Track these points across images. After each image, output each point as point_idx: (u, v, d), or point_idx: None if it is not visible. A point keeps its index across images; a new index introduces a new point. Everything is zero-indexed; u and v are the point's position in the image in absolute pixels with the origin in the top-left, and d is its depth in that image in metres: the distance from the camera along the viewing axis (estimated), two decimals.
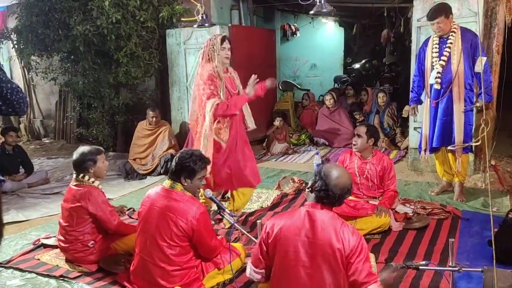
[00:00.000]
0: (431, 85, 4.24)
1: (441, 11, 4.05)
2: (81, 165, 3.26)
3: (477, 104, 4.07)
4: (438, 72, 4.15)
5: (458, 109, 4.12)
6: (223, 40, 3.63)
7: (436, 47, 4.18)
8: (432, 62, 4.20)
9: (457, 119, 4.14)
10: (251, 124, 3.96)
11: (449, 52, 4.09)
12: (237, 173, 3.77)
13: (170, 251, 2.64)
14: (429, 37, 4.32)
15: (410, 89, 4.60)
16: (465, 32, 4.11)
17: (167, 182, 2.78)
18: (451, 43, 4.09)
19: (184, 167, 2.73)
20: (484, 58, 4.01)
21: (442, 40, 4.16)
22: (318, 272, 2.09)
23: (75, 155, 3.29)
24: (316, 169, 2.30)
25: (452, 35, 4.09)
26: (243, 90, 3.80)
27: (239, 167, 3.77)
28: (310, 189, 2.26)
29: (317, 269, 2.09)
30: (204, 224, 2.67)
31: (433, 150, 4.42)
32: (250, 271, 2.38)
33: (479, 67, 3.98)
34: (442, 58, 4.12)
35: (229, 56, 3.68)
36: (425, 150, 4.44)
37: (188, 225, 2.61)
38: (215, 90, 3.55)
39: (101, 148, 3.47)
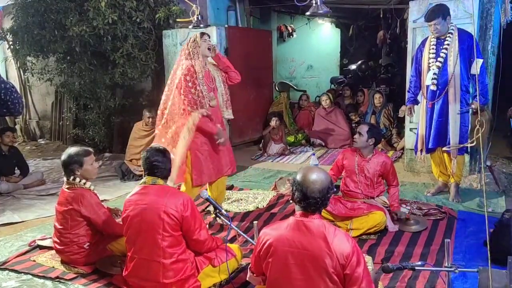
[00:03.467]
0: (427, 86, 4.25)
1: (438, 13, 4.06)
2: (67, 167, 3.22)
3: (473, 106, 4.08)
4: (434, 73, 4.16)
5: (454, 110, 4.14)
6: (202, 33, 3.77)
7: (433, 48, 4.19)
8: (429, 63, 4.20)
9: (452, 120, 4.15)
10: (227, 115, 4.06)
11: (446, 54, 4.10)
12: (220, 162, 3.91)
13: (164, 243, 2.66)
14: (427, 38, 4.33)
15: (407, 89, 4.61)
16: (462, 33, 4.11)
17: (147, 180, 2.83)
18: (448, 44, 4.10)
19: (155, 166, 2.84)
20: (480, 60, 4.02)
21: (439, 41, 4.17)
22: (312, 283, 2.04)
23: (63, 156, 3.24)
24: (291, 180, 2.20)
25: (449, 36, 4.10)
26: (222, 79, 3.93)
27: (222, 156, 3.92)
28: (292, 200, 2.18)
29: (310, 281, 2.04)
30: (191, 210, 2.73)
31: (429, 151, 4.43)
32: (249, 276, 2.39)
33: (475, 69, 3.99)
34: (439, 59, 4.13)
35: (212, 46, 3.79)
36: (421, 151, 4.45)
37: (178, 211, 2.67)
38: (195, 94, 3.63)
39: (90, 149, 3.38)
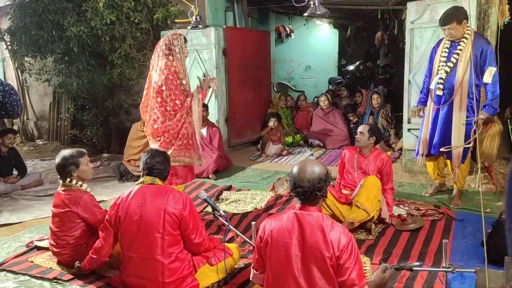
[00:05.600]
0: (433, 90, 4.14)
1: (453, 17, 3.88)
2: (63, 169, 3.20)
3: (481, 116, 3.87)
4: (440, 78, 4.02)
5: (458, 118, 4.00)
6: (185, 40, 3.89)
7: (445, 52, 4.04)
8: (439, 67, 4.07)
9: (456, 128, 4.01)
10: None
11: (457, 59, 3.95)
12: None
13: (163, 242, 2.67)
14: (442, 39, 4.15)
15: (420, 89, 4.50)
16: (478, 38, 3.93)
17: (146, 179, 2.83)
18: (460, 49, 3.93)
19: (154, 167, 2.86)
20: (494, 68, 3.84)
21: (453, 45, 4.00)
22: (311, 273, 2.08)
23: (57, 159, 3.22)
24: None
25: (463, 41, 3.93)
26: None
27: None
28: (290, 193, 2.27)
29: (309, 271, 2.09)
30: (190, 209, 2.74)
31: (430, 155, 4.35)
32: (253, 275, 2.42)
33: (487, 77, 3.83)
34: (448, 64, 3.99)
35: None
36: (422, 155, 4.33)
37: (177, 210, 2.69)
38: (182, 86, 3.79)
39: (84, 150, 3.37)
